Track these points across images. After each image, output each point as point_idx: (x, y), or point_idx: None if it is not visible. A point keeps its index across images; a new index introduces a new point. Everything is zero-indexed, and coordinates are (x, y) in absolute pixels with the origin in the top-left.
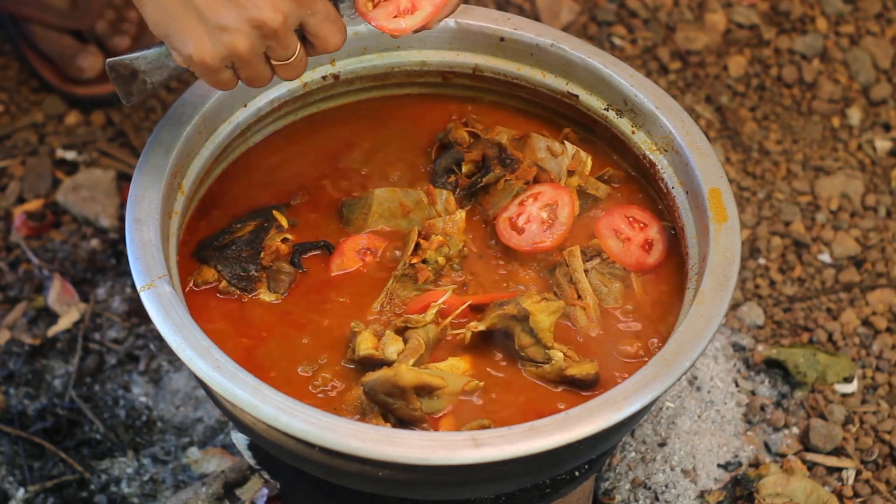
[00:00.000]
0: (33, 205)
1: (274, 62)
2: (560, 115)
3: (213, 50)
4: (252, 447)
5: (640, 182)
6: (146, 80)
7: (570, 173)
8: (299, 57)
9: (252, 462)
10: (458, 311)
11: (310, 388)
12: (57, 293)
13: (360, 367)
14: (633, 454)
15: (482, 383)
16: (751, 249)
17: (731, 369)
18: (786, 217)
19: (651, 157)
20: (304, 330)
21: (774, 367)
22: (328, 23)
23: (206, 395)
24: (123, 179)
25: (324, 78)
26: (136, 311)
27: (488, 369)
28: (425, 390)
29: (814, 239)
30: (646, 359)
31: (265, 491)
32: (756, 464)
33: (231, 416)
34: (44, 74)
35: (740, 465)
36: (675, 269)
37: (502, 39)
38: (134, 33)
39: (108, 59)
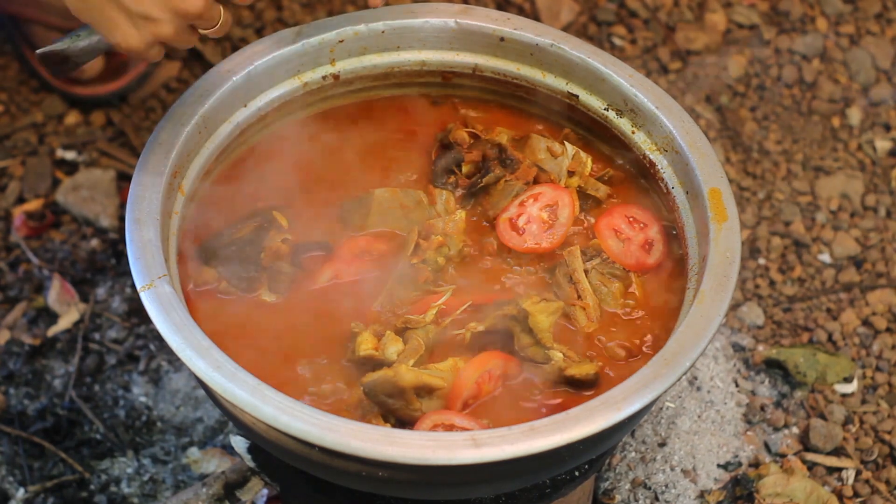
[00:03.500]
0: (33, 205)
1: (201, 31)
2: (560, 115)
3: (140, 37)
4: (251, 450)
5: (640, 182)
6: (77, 62)
7: (571, 174)
8: (225, 18)
9: (252, 465)
10: (459, 312)
11: (310, 388)
12: (57, 293)
13: (360, 367)
14: (633, 454)
15: None
16: (751, 249)
17: (731, 369)
18: (786, 217)
19: (651, 157)
20: (304, 330)
21: (774, 367)
22: None
23: (206, 395)
24: (123, 179)
25: (324, 78)
26: (136, 311)
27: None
28: (425, 391)
29: (814, 239)
30: (645, 359)
31: (265, 491)
32: (756, 464)
33: (231, 417)
34: (44, 74)
35: (740, 465)
36: (675, 269)
37: (502, 39)
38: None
39: (37, 51)
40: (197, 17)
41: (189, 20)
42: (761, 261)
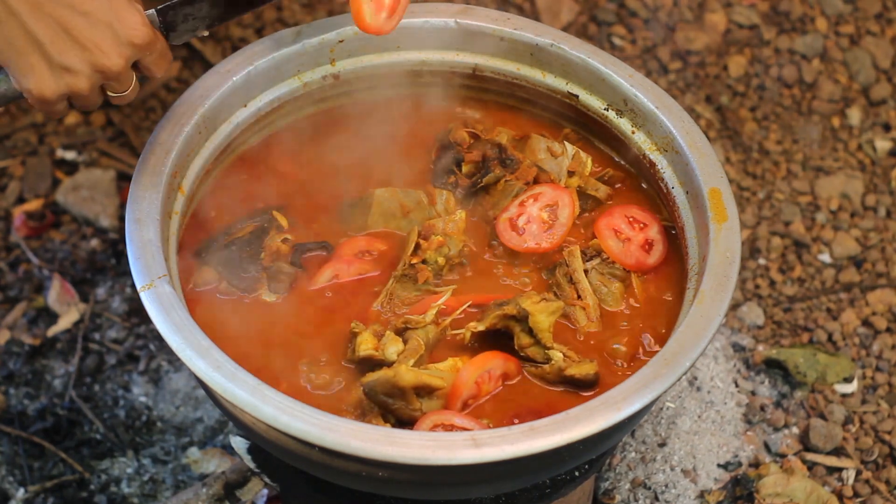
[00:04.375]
0: (33, 205)
1: (109, 94)
2: (560, 115)
3: (55, 87)
4: (251, 451)
5: (640, 182)
6: None
7: (571, 174)
8: (133, 87)
9: (252, 465)
10: (459, 312)
11: (310, 388)
12: (57, 293)
13: (360, 367)
14: (633, 454)
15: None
16: (751, 249)
17: (731, 369)
18: (786, 217)
19: (651, 157)
20: (304, 330)
21: (774, 367)
22: (161, 58)
23: (206, 395)
24: (123, 179)
25: (324, 78)
26: (136, 311)
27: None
28: (425, 391)
29: (814, 239)
30: (645, 359)
31: (265, 491)
32: (756, 464)
33: (231, 417)
34: None
35: (740, 465)
36: (675, 269)
37: (502, 39)
38: None
39: None
40: (114, 78)
41: (106, 79)
42: (761, 261)
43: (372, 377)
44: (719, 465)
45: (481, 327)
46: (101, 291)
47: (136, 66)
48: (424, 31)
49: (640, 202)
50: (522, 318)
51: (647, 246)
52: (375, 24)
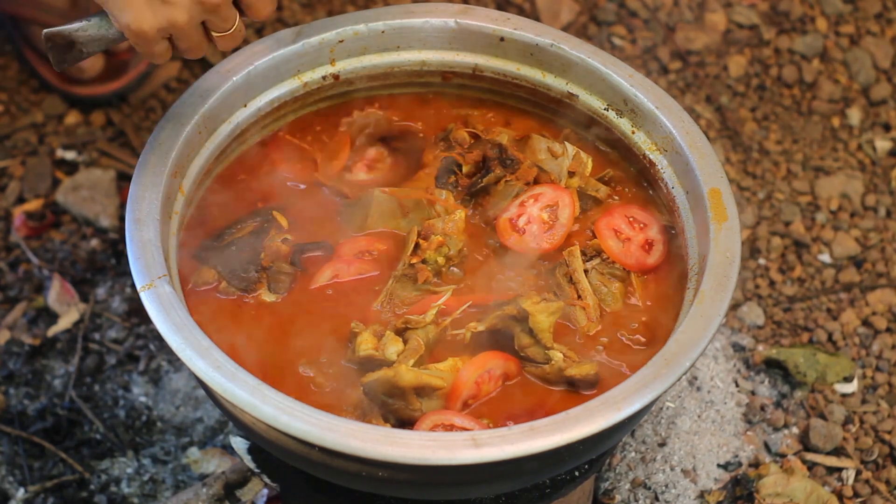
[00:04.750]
0: (33, 205)
1: (213, 33)
2: (560, 115)
3: (154, 20)
4: (251, 451)
5: (640, 182)
6: (82, 49)
7: (571, 174)
8: (238, 27)
9: (252, 465)
10: (459, 312)
11: (310, 387)
12: (57, 293)
13: (360, 367)
14: (633, 454)
15: None
16: (751, 249)
17: (731, 369)
18: (786, 217)
19: (651, 157)
20: (304, 330)
21: (774, 367)
22: None
23: (206, 395)
24: (123, 179)
25: (324, 78)
26: (136, 311)
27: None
28: (425, 391)
29: (814, 239)
30: (645, 359)
31: (265, 492)
32: (756, 464)
33: (231, 417)
34: (44, 74)
35: (740, 465)
36: (675, 269)
37: (502, 39)
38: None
39: (45, 31)
40: (213, 10)
41: (206, 10)
42: (761, 261)
43: (372, 377)
44: (719, 465)
45: (481, 327)
46: (101, 291)
47: (238, 6)
48: (424, 31)
49: (640, 202)
50: (522, 319)
51: (647, 246)
52: None
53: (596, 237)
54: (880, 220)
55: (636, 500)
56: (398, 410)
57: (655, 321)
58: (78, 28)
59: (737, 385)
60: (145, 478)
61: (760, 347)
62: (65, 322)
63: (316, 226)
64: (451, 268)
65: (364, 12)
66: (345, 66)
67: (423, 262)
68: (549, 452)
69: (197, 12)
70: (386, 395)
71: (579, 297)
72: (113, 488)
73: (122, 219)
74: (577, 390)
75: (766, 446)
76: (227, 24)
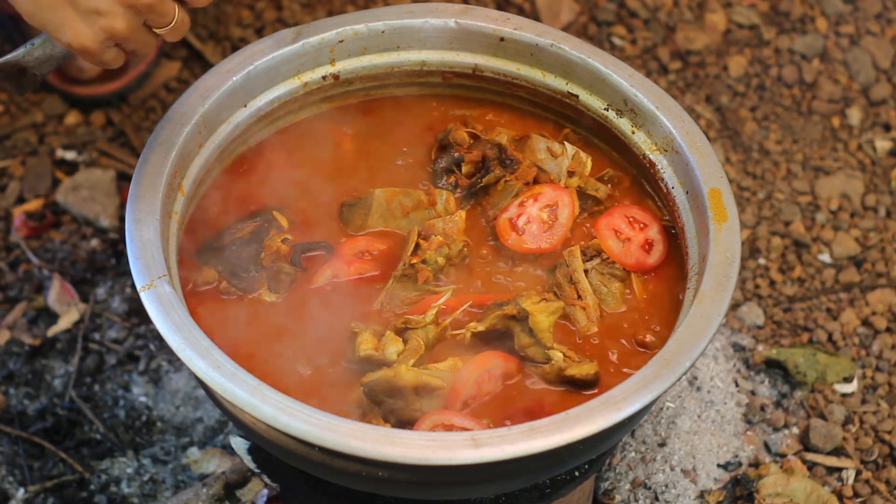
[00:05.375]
0: (33, 205)
1: (156, 30)
2: (560, 115)
3: (92, 34)
4: (251, 451)
5: (640, 182)
6: (35, 73)
7: (570, 174)
8: (180, 18)
9: (252, 465)
10: (459, 312)
11: (310, 387)
12: (57, 293)
13: (360, 367)
14: (633, 454)
15: None
16: (751, 249)
17: (731, 369)
18: (786, 217)
19: (651, 157)
20: (305, 330)
21: (774, 367)
22: None
23: (206, 395)
24: (123, 179)
25: (324, 78)
26: (136, 311)
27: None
28: (425, 390)
29: (814, 239)
30: (645, 359)
31: (265, 492)
32: (756, 464)
33: (231, 417)
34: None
35: (740, 465)
36: (675, 269)
37: (502, 39)
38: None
39: None
40: (147, 10)
41: (140, 13)
42: (761, 261)
43: (372, 377)
44: (719, 465)
45: (481, 327)
46: (101, 291)
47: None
48: (424, 31)
49: (640, 202)
50: (522, 318)
51: (647, 246)
52: None
53: (596, 237)
54: (880, 220)
55: (636, 500)
56: (398, 410)
57: (655, 321)
58: (24, 53)
59: (737, 385)
60: (145, 478)
61: (760, 347)
62: (65, 322)
63: (316, 226)
64: (452, 268)
65: (364, 12)
66: (345, 66)
67: (424, 262)
68: (549, 452)
69: (132, 16)
70: (386, 395)
71: (579, 297)
72: (113, 488)
73: (122, 219)
74: (577, 390)
75: (766, 446)
76: (166, 19)
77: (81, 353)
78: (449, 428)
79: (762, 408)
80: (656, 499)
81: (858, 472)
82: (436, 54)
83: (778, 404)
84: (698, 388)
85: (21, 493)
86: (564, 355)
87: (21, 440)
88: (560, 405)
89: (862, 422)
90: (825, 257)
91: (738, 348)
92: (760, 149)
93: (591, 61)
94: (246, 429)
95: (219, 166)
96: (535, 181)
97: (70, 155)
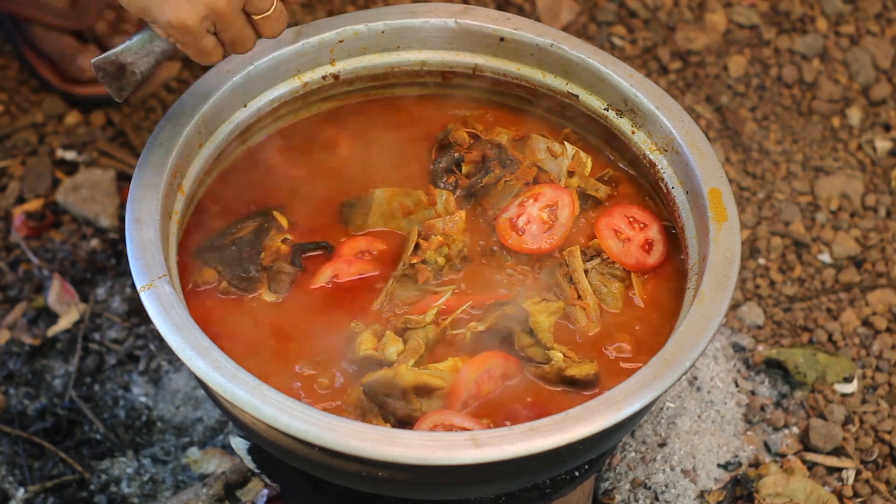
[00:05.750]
0: (33, 205)
1: (255, 17)
2: (560, 115)
3: (193, 10)
4: (251, 451)
5: (640, 182)
6: (135, 71)
7: (570, 174)
8: (278, 8)
9: (252, 466)
10: (459, 312)
11: (310, 387)
12: (57, 293)
13: (360, 367)
14: (633, 454)
15: None
16: (751, 249)
17: (731, 369)
18: (786, 217)
19: (651, 157)
20: (304, 330)
21: (774, 367)
22: None
23: (206, 395)
24: (123, 179)
25: (324, 78)
26: (136, 311)
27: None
28: (425, 391)
29: (814, 239)
30: (645, 359)
31: (265, 492)
32: (756, 464)
33: (231, 417)
34: (44, 74)
35: (740, 465)
36: (675, 269)
37: (502, 39)
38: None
39: (92, 60)
40: None
41: None
42: (761, 261)
43: (372, 377)
44: (719, 465)
45: (481, 327)
46: (101, 291)
47: None
48: (424, 31)
49: (640, 202)
50: (523, 319)
51: (647, 246)
52: None
53: (596, 237)
54: (880, 220)
55: (636, 500)
56: (398, 410)
57: (655, 321)
58: (123, 50)
59: (737, 385)
60: (145, 478)
61: (760, 347)
62: (65, 322)
63: (316, 226)
64: (451, 268)
65: (364, 12)
66: (345, 66)
67: (424, 262)
68: (549, 452)
69: None
70: (386, 395)
71: (579, 297)
72: (113, 488)
73: (122, 219)
74: (577, 390)
75: (766, 446)
76: (265, 3)
77: (81, 353)
78: (449, 428)
79: (762, 408)
80: (656, 499)
81: (858, 472)
82: (436, 54)
83: (778, 404)
84: (698, 388)
85: (21, 493)
86: (564, 355)
87: (21, 440)
88: (560, 405)
89: (862, 422)
90: (825, 257)
91: (738, 348)
92: (760, 149)
93: (591, 61)
94: (246, 429)
95: (219, 166)
96: (535, 181)
97: (70, 155)
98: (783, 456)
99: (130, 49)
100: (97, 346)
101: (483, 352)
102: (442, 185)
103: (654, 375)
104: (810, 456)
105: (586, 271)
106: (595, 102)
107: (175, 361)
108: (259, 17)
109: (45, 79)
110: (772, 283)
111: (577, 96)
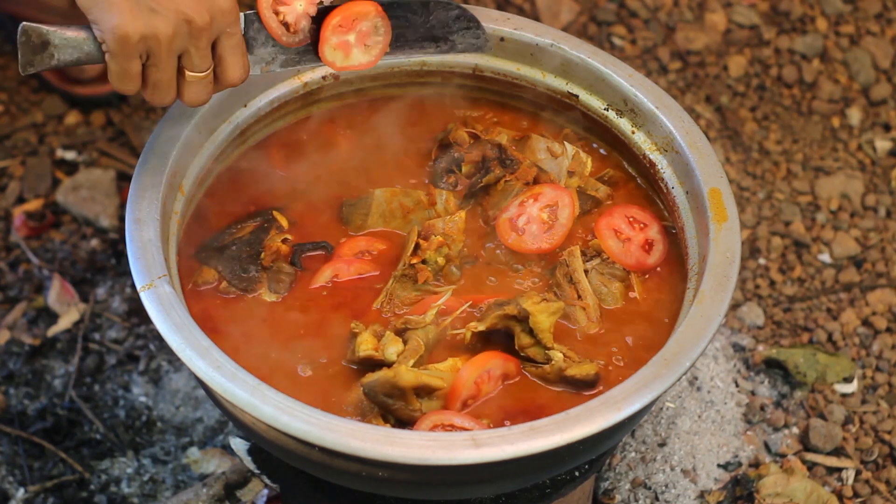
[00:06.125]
0: (33, 205)
1: (186, 72)
2: (560, 115)
3: (136, 25)
4: (251, 451)
5: (640, 182)
6: (54, 54)
7: (570, 174)
8: (208, 77)
9: (252, 466)
10: (459, 312)
11: (310, 387)
12: (57, 293)
13: (360, 367)
14: (633, 454)
15: None
16: (751, 249)
17: (731, 369)
18: (786, 217)
19: (651, 157)
20: (305, 330)
21: (774, 367)
22: (238, 52)
23: (206, 395)
24: (123, 179)
25: (324, 78)
26: (136, 311)
27: None
28: (425, 391)
29: (814, 239)
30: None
31: (265, 492)
32: (756, 464)
33: (231, 417)
34: (44, 74)
35: (740, 465)
36: (675, 269)
37: (502, 39)
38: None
39: (22, 23)
40: (195, 35)
41: (188, 33)
42: (761, 261)
43: (372, 377)
44: (719, 465)
45: (481, 327)
46: (101, 291)
47: (214, 52)
48: None
49: (640, 202)
50: (523, 319)
51: (647, 246)
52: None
53: (596, 237)
54: (880, 220)
55: (636, 500)
56: (398, 410)
57: (655, 321)
58: (57, 31)
59: (737, 385)
60: (145, 478)
61: (760, 347)
62: (65, 322)
63: (316, 226)
64: (451, 268)
65: None
66: None
67: (423, 262)
68: (549, 452)
69: (180, 30)
70: (386, 395)
71: (579, 297)
72: (113, 488)
73: (122, 219)
74: (577, 390)
75: (766, 446)
76: (203, 64)
77: (81, 353)
78: (449, 428)
79: (762, 408)
80: (656, 499)
81: (858, 472)
82: (436, 54)
83: (778, 404)
84: (698, 388)
85: (21, 493)
86: (564, 355)
87: (21, 440)
88: (560, 405)
89: (862, 422)
90: (825, 257)
91: (738, 348)
92: (760, 149)
93: (591, 61)
94: (246, 429)
95: (219, 166)
96: (535, 181)
97: (70, 155)
98: (783, 456)
99: (64, 36)
100: (97, 346)
101: (483, 352)
102: (442, 185)
103: (654, 375)
104: (810, 456)
105: (586, 271)
106: (595, 102)
107: (175, 361)
108: (190, 73)
109: (45, 79)
110: (772, 283)
111: (577, 96)
